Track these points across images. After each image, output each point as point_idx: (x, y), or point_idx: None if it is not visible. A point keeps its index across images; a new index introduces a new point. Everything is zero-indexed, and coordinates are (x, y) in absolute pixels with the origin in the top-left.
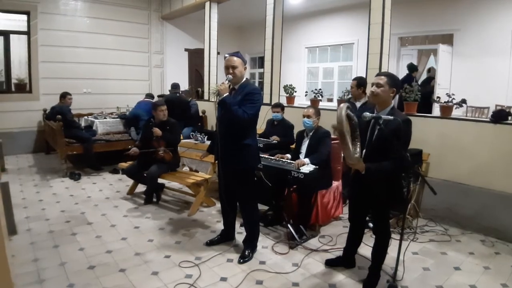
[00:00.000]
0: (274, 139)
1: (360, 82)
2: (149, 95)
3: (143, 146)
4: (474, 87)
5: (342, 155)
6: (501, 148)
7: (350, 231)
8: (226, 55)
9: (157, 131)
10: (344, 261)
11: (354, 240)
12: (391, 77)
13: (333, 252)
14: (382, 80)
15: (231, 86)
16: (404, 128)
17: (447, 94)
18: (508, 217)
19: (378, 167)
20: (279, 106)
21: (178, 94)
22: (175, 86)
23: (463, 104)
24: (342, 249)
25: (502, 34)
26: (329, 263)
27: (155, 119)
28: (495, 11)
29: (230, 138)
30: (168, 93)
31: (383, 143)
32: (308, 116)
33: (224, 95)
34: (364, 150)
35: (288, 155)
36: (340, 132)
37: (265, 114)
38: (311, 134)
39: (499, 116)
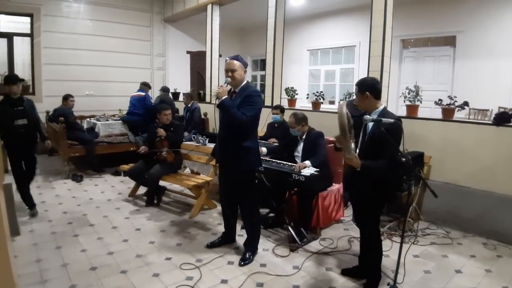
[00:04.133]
0: (272, 141)
1: None
2: (144, 83)
3: (148, 147)
4: (476, 89)
5: (343, 157)
6: (503, 151)
7: (360, 237)
8: (227, 59)
9: (161, 131)
10: (361, 270)
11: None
12: (359, 85)
13: (343, 258)
14: (355, 90)
15: (232, 89)
16: (396, 128)
17: (449, 96)
18: (510, 220)
19: (373, 164)
20: (278, 108)
21: (169, 96)
22: (166, 90)
23: (465, 107)
24: (343, 252)
25: (505, 35)
26: (346, 273)
27: (159, 121)
28: (498, 13)
29: (230, 140)
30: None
31: (376, 143)
32: (292, 127)
33: (223, 97)
34: (358, 150)
35: (263, 149)
36: (342, 126)
37: (266, 117)
38: (304, 137)
39: (502, 118)
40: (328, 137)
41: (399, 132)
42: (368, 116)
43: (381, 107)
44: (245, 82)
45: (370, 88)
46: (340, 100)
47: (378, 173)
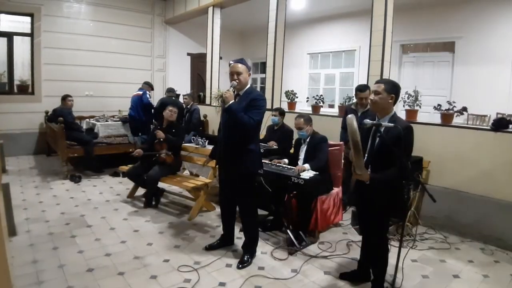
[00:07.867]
0: (272, 144)
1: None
2: (146, 83)
3: (147, 149)
4: (475, 94)
5: (343, 161)
6: (501, 156)
7: (362, 242)
8: (231, 62)
9: (160, 133)
10: (360, 274)
11: (366, 251)
12: (388, 84)
13: (341, 262)
14: (380, 87)
15: (235, 92)
16: (405, 136)
17: (448, 101)
18: (508, 225)
19: (382, 176)
20: (277, 110)
21: (173, 98)
22: (170, 90)
23: (464, 112)
24: (342, 256)
25: (504, 42)
26: (344, 277)
27: (163, 121)
28: (497, 19)
29: (233, 143)
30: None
31: (384, 151)
32: (300, 128)
33: (230, 102)
34: (365, 158)
35: (286, 160)
36: (355, 143)
37: (266, 121)
38: (308, 140)
39: (500, 124)
40: (330, 141)
41: (401, 138)
42: (368, 121)
43: (392, 113)
44: (248, 85)
45: (396, 92)
46: (340, 103)
47: (388, 183)
